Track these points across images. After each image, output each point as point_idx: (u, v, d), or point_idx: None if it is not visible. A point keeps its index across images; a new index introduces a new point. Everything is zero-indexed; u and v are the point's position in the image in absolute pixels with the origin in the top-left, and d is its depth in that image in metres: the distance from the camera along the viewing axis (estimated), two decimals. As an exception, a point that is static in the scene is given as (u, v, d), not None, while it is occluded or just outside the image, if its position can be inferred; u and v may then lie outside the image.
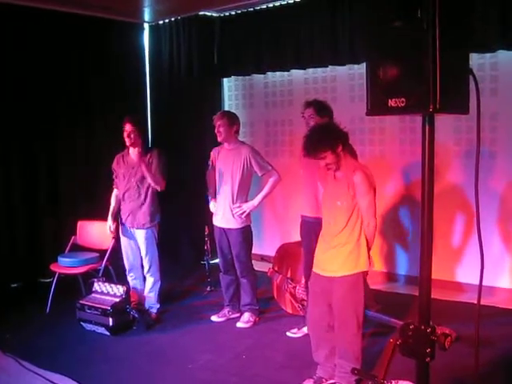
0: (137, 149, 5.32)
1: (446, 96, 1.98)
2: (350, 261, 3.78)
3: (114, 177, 5.53)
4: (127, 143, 5.30)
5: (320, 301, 3.91)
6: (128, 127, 5.24)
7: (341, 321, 3.82)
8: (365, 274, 3.86)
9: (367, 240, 3.81)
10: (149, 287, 5.51)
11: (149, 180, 5.24)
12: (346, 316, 3.79)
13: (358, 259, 3.79)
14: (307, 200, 4.77)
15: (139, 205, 5.33)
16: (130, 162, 5.38)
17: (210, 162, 5.38)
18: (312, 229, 4.74)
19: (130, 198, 5.36)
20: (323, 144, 3.71)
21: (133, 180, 5.32)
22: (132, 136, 5.25)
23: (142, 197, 5.32)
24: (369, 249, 3.82)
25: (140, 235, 5.39)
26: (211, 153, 5.40)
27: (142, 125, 5.49)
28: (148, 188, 5.32)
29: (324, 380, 3.96)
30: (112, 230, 5.46)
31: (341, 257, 3.80)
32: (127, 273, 5.59)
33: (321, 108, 4.70)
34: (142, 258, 5.48)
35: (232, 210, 5.14)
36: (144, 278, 5.57)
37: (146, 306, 5.52)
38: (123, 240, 5.50)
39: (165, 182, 5.35)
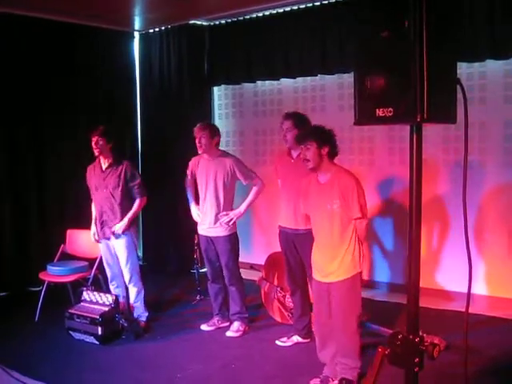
0: (107, 159, 5.32)
1: (433, 106, 2.00)
2: (345, 264, 3.88)
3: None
4: (95, 153, 5.27)
5: (322, 303, 4.04)
6: (94, 138, 5.21)
7: (341, 321, 3.93)
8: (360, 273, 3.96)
9: (360, 240, 3.90)
10: (133, 297, 5.46)
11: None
12: (345, 317, 3.90)
13: (353, 261, 3.88)
14: (286, 211, 4.78)
15: (114, 214, 5.28)
16: (101, 173, 5.34)
17: (189, 172, 5.37)
18: (290, 240, 4.76)
19: (104, 208, 5.31)
20: (314, 135, 3.95)
21: (105, 190, 5.28)
22: (99, 145, 5.22)
23: (116, 206, 5.27)
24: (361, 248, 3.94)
25: (119, 244, 5.34)
26: (190, 162, 5.39)
27: (110, 135, 5.34)
28: (121, 197, 5.27)
29: (330, 379, 4.04)
30: (97, 237, 5.42)
31: (336, 261, 3.90)
32: (109, 281, 5.57)
33: (300, 121, 4.67)
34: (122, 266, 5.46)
35: (219, 219, 5.14)
36: (126, 286, 5.53)
37: (135, 315, 5.47)
38: (102, 250, 5.47)
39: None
